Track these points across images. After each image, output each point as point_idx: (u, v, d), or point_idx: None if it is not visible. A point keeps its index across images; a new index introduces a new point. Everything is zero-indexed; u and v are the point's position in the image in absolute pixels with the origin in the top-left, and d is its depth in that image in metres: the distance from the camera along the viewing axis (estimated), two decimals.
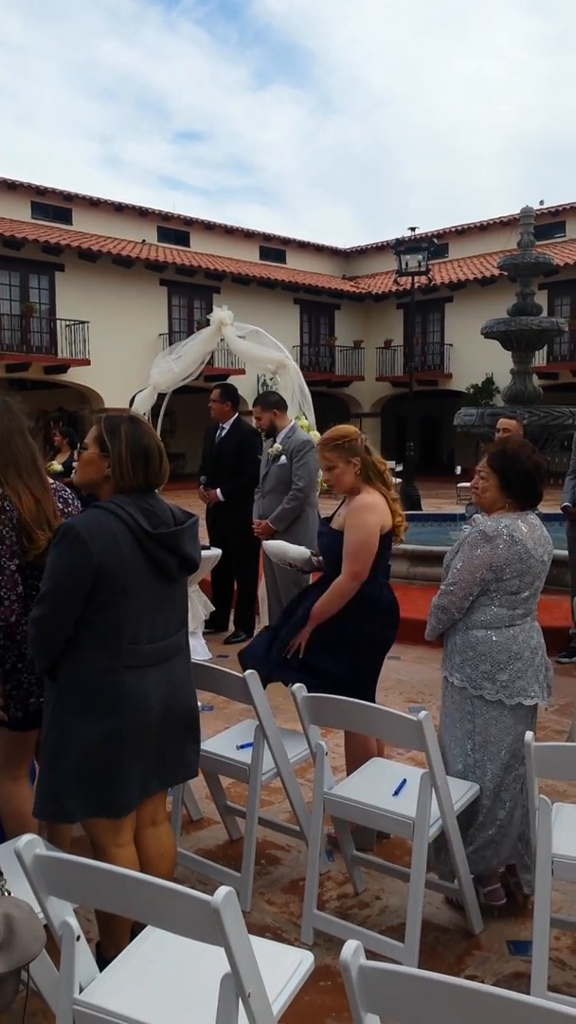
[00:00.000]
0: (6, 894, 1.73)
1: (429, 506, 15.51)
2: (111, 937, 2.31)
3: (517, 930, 2.79)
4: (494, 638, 2.83)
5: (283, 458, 5.62)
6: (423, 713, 2.52)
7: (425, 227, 28.06)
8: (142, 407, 6.78)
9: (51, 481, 2.78)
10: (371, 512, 3.24)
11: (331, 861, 3.22)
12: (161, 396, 6.82)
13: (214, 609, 6.35)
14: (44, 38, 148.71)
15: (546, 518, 3.44)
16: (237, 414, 6.78)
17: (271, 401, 5.80)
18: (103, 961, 1.97)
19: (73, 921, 1.68)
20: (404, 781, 2.78)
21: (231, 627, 6.80)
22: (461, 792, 2.75)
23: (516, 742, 2.83)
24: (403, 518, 3.39)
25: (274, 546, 3.87)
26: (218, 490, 6.46)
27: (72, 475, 3.21)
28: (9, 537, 2.53)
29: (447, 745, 2.93)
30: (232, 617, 6.83)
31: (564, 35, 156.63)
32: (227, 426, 6.67)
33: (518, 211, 9.14)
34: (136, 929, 2.12)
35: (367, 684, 3.29)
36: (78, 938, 1.68)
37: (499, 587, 2.82)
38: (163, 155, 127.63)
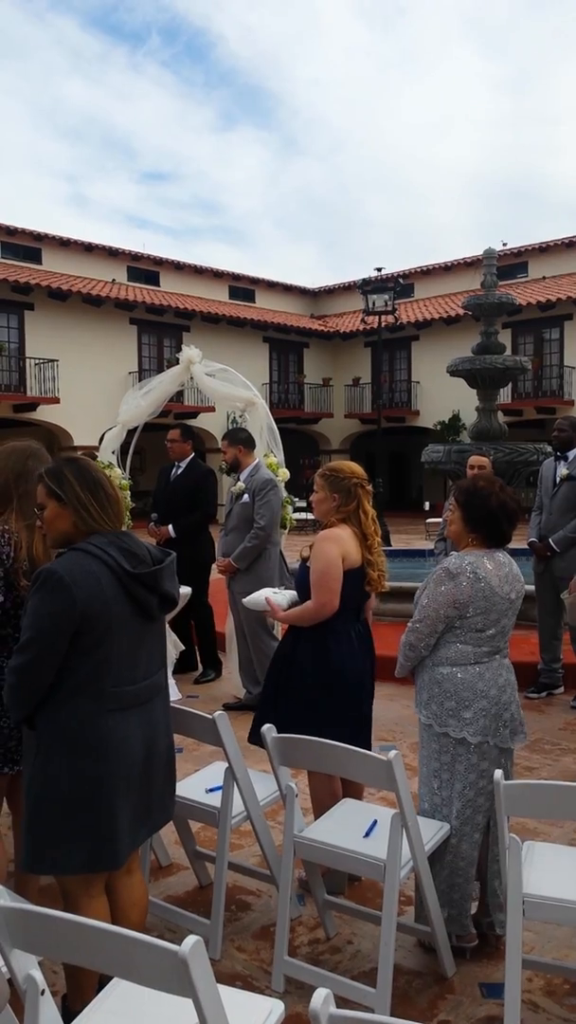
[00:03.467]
0: None
1: (398, 542, 15.59)
2: (77, 990, 2.25)
3: (490, 972, 2.77)
4: (459, 675, 2.84)
5: (246, 496, 5.64)
6: (393, 752, 2.52)
7: (388, 264, 28.67)
8: (111, 445, 6.78)
9: None
10: (331, 542, 3.28)
11: (302, 906, 3.18)
12: (131, 434, 6.83)
13: (184, 648, 6.30)
14: (8, 76, 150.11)
15: (513, 553, 3.47)
16: (193, 453, 6.82)
17: (239, 438, 5.82)
18: (69, 1015, 1.91)
19: (38, 975, 1.64)
20: (375, 822, 2.76)
21: (200, 667, 6.75)
22: (432, 832, 2.74)
23: (480, 779, 2.82)
24: (379, 573, 3.37)
25: (253, 602, 3.78)
26: (170, 527, 6.45)
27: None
28: None
29: (418, 784, 2.92)
30: (199, 657, 6.77)
31: (518, 77, 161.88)
32: (183, 465, 6.71)
33: (481, 252, 9.34)
34: (104, 981, 2.07)
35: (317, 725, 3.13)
36: (43, 992, 1.64)
37: (464, 624, 2.83)
38: (130, 195, 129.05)
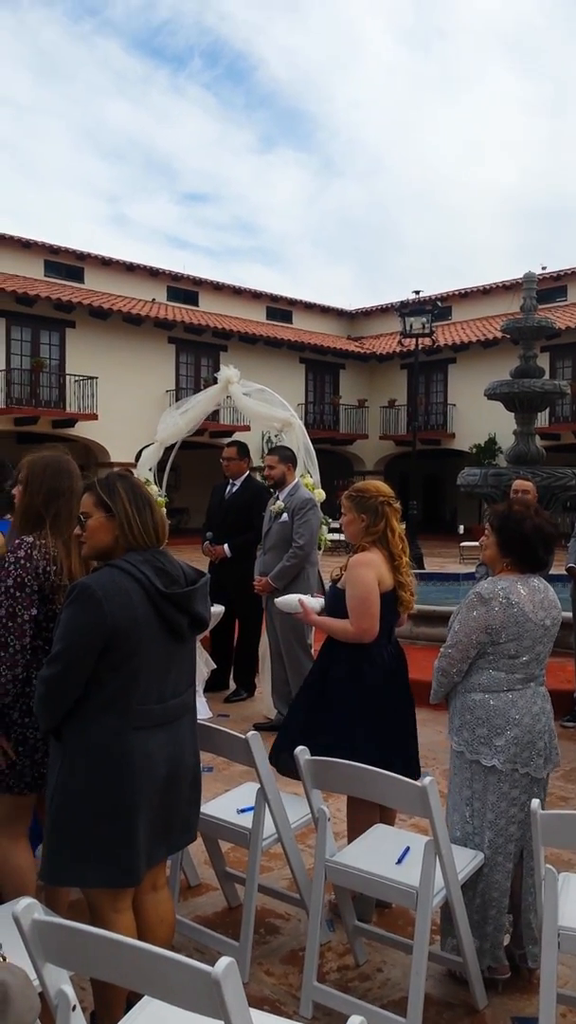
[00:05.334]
0: (2, 959, 1.69)
1: (432, 565, 15.49)
2: (106, 1007, 2.25)
3: (522, 1005, 2.71)
4: (492, 702, 2.80)
5: (285, 515, 5.65)
6: (427, 778, 2.49)
7: (424, 286, 28.84)
8: (148, 462, 6.85)
9: None
10: (365, 567, 3.27)
11: (332, 931, 3.14)
12: (167, 451, 6.89)
13: (215, 667, 6.30)
14: (53, 97, 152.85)
15: (551, 579, 3.43)
16: (248, 471, 6.82)
17: (287, 455, 5.88)
18: None
19: (69, 990, 1.64)
20: (407, 849, 2.73)
21: (231, 685, 6.74)
22: (465, 861, 2.70)
23: (511, 807, 2.77)
24: (410, 593, 3.38)
25: (286, 603, 3.78)
26: (225, 546, 6.46)
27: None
28: (30, 586, 2.53)
29: (449, 811, 2.89)
30: (232, 675, 6.77)
31: (556, 99, 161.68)
32: (238, 482, 6.71)
33: (519, 275, 9.33)
34: (132, 999, 2.06)
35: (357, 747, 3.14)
36: (74, 1008, 1.64)
37: (496, 650, 2.80)
38: (170, 215, 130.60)
